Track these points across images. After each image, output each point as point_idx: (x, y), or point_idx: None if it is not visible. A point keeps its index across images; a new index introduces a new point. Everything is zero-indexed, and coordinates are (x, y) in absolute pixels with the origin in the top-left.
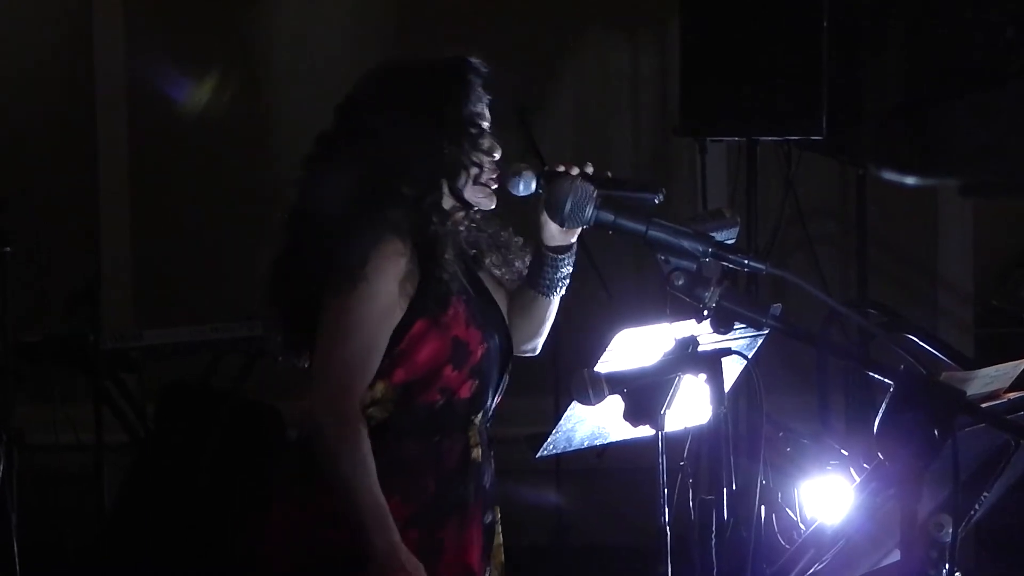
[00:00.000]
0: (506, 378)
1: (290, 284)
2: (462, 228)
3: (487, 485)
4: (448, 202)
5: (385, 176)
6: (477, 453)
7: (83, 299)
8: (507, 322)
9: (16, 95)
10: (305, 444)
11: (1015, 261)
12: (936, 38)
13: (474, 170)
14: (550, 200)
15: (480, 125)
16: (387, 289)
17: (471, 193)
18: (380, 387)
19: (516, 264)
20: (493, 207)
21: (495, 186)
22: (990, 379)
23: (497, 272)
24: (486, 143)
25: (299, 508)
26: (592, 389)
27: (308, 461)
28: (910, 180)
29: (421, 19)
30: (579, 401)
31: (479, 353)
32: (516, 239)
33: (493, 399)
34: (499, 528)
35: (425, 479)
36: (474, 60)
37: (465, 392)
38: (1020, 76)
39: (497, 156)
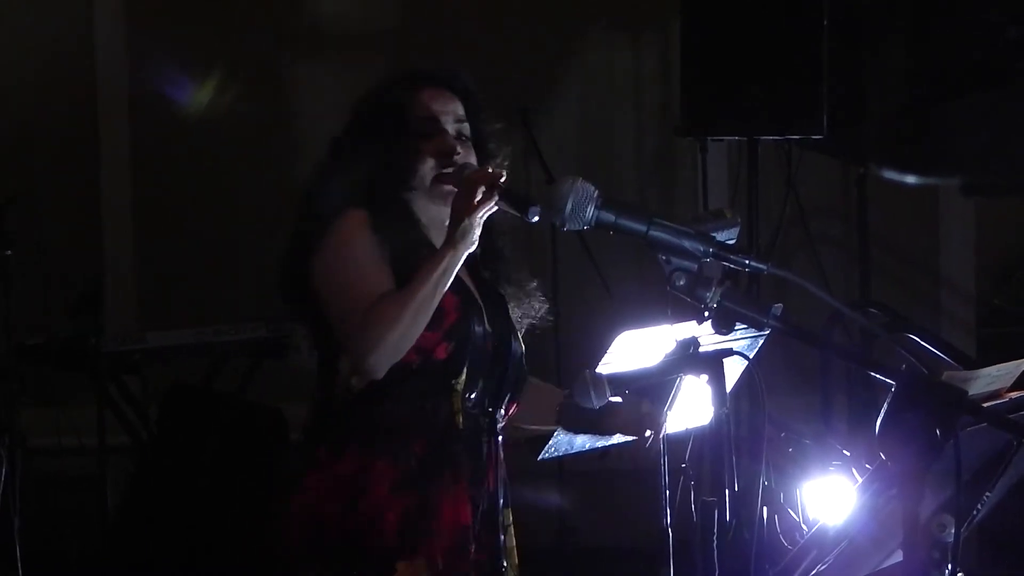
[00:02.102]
0: (512, 377)
1: (283, 282)
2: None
3: (485, 462)
4: (419, 199)
5: (342, 176)
6: (459, 420)
7: (86, 302)
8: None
9: (19, 98)
10: (307, 440)
11: (1017, 261)
12: (938, 38)
13: (421, 168)
14: (550, 201)
15: (395, 129)
16: (365, 240)
17: (430, 194)
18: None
19: (527, 302)
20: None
21: (447, 186)
22: (992, 379)
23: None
24: (412, 145)
25: (310, 498)
26: (594, 390)
27: (313, 455)
28: (911, 180)
29: (424, 20)
30: (581, 403)
31: (454, 316)
32: (531, 283)
33: (495, 392)
34: (512, 531)
35: (412, 442)
36: (402, 72)
37: (440, 353)
38: (1021, 75)
39: (447, 151)
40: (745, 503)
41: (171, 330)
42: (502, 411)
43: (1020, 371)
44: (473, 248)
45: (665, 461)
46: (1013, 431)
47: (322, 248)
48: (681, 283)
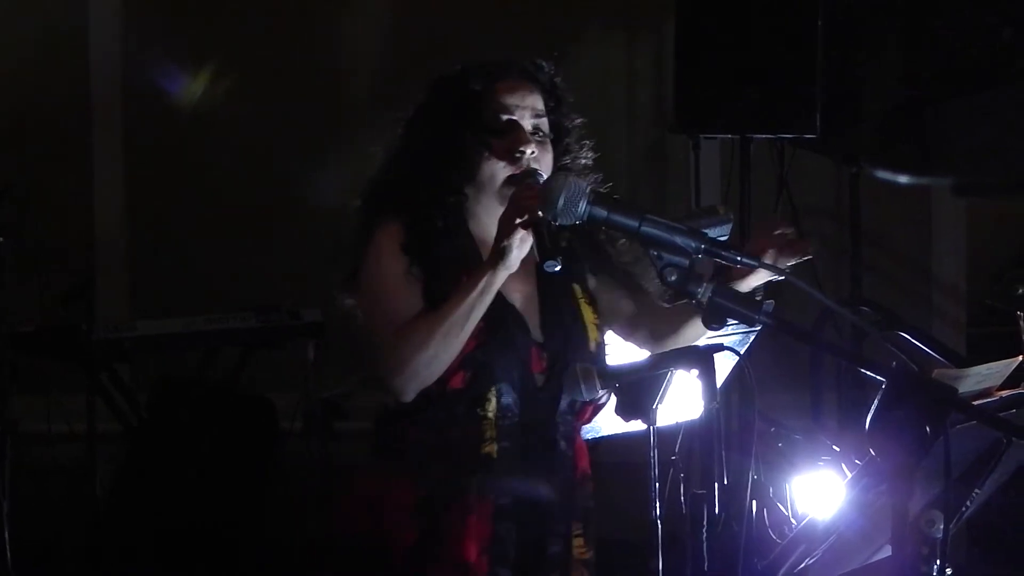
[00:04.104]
0: (568, 391)
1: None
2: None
3: (535, 482)
4: (486, 199)
5: (392, 173)
6: (492, 449)
7: (77, 290)
8: (589, 329)
9: (13, 87)
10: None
11: (1009, 260)
12: (933, 38)
13: (489, 168)
14: (543, 196)
15: (464, 124)
16: (394, 256)
17: (500, 195)
18: None
19: (643, 264)
20: None
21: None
22: (982, 377)
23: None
24: (482, 142)
25: (352, 501)
26: (585, 384)
27: (370, 462)
28: (904, 179)
29: (419, 18)
30: (572, 396)
31: (472, 344)
32: (642, 261)
33: (549, 406)
34: (577, 542)
35: (433, 465)
36: (479, 63)
37: (456, 383)
38: (1016, 77)
39: (520, 151)
40: (734, 497)
41: (162, 319)
42: (573, 420)
43: (1010, 370)
44: (514, 270)
45: (655, 454)
46: (1002, 429)
47: (361, 261)
48: (673, 278)
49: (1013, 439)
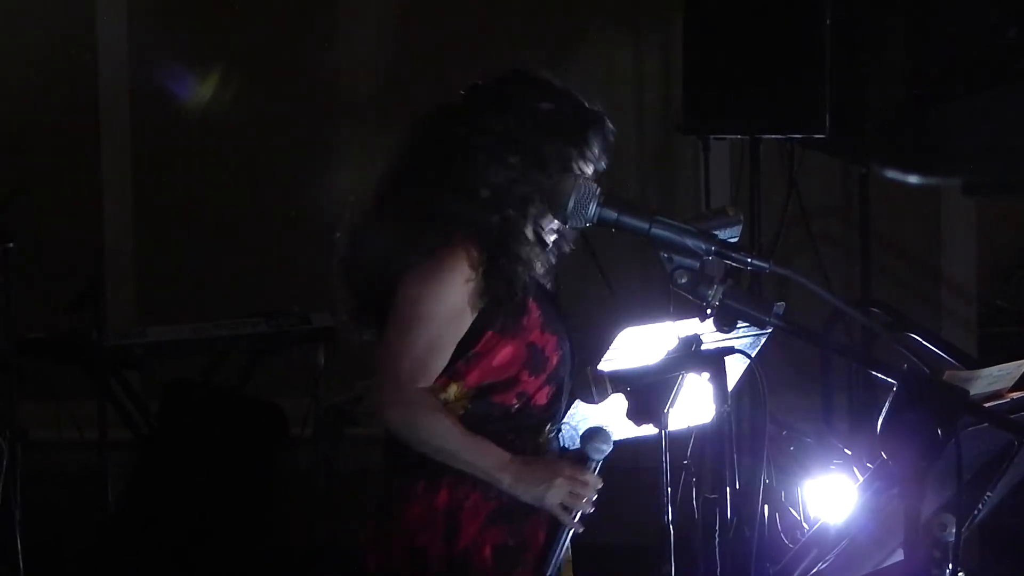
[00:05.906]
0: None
1: (365, 259)
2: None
3: None
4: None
5: (480, 178)
6: (545, 452)
7: (86, 296)
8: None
9: (21, 92)
10: (400, 472)
11: (1018, 260)
12: (938, 37)
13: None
14: (553, 197)
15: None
16: (456, 291)
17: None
18: (454, 389)
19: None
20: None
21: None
22: (993, 379)
23: None
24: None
25: (411, 531)
26: (595, 387)
27: (411, 489)
28: (913, 179)
29: (423, 19)
30: (582, 400)
31: (554, 359)
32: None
33: (565, 407)
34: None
35: None
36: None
37: (541, 398)
38: (1021, 76)
39: None
40: (746, 501)
41: (171, 325)
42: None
43: (1021, 371)
44: None
45: (666, 458)
46: (1014, 431)
47: (417, 271)
48: (683, 281)
49: None
